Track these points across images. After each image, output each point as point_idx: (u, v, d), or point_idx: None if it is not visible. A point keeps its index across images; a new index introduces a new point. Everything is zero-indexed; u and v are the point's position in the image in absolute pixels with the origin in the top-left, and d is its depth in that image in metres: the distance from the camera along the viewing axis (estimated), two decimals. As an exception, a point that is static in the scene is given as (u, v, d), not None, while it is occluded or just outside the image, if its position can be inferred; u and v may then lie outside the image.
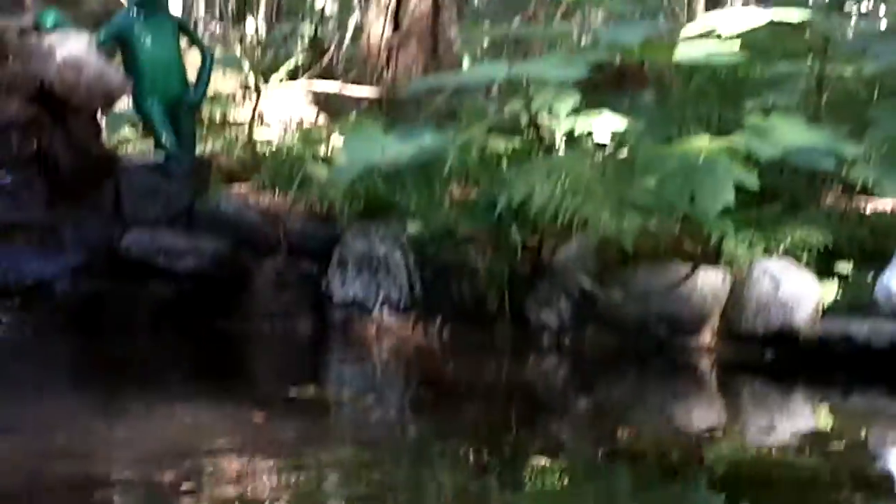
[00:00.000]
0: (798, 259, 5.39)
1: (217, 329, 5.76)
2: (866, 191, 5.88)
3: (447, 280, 5.80)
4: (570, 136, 6.05)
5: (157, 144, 6.27)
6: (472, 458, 3.81)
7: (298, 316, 5.95)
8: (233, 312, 5.90)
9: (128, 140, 7.03)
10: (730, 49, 5.74)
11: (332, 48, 9.59)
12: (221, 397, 4.36)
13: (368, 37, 8.61)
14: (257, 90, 7.82)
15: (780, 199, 5.71)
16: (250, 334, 5.83)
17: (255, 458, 3.62)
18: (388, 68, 8.40)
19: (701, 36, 5.86)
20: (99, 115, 6.34)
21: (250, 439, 3.84)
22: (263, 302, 5.97)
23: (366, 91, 8.33)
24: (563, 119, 6.06)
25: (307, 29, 10.08)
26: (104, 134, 6.55)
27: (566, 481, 3.62)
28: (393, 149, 5.74)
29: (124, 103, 6.55)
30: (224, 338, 5.73)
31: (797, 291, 5.22)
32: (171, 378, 4.85)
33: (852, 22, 9.85)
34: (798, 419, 4.78)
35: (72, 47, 5.91)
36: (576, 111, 6.06)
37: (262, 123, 7.78)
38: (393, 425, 4.39)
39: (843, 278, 5.36)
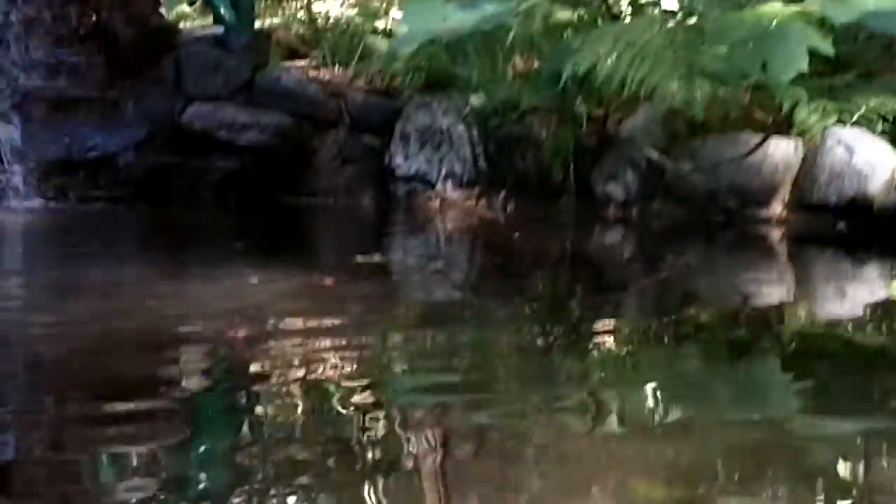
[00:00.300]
0: (872, 128, 5.24)
1: (280, 202, 5.77)
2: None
3: (511, 152, 5.73)
4: (637, 3, 5.88)
5: (216, 18, 6.20)
6: (536, 328, 3.78)
7: (361, 190, 5.93)
8: (295, 186, 5.90)
9: (187, 15, 6.95)
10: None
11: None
12: (288, 263, 4.37)
13: None
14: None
15: (854, 66, 5.53)
16: (313, 208, 5.83)
17: (325, 317, 3.63)
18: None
19: None
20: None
21: (320, 300, 3.86)
22: (326, 176, 5.96)
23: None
24: (630, -15, 5.90)
25: None
26: (163, 9, 6.49)
27: (632, 354, 3.58)
28: (454, 18, 5.59)
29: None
30: (288, 211, 5.74)
31: (872, 159, 5.09)
32: (236, 246, 4.86)
33: None
34: (870, 292, 4.67)
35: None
36: (643, -23, 5.89)
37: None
38: (457, 291, 4.38)
39: (919, 147, 5.22)
